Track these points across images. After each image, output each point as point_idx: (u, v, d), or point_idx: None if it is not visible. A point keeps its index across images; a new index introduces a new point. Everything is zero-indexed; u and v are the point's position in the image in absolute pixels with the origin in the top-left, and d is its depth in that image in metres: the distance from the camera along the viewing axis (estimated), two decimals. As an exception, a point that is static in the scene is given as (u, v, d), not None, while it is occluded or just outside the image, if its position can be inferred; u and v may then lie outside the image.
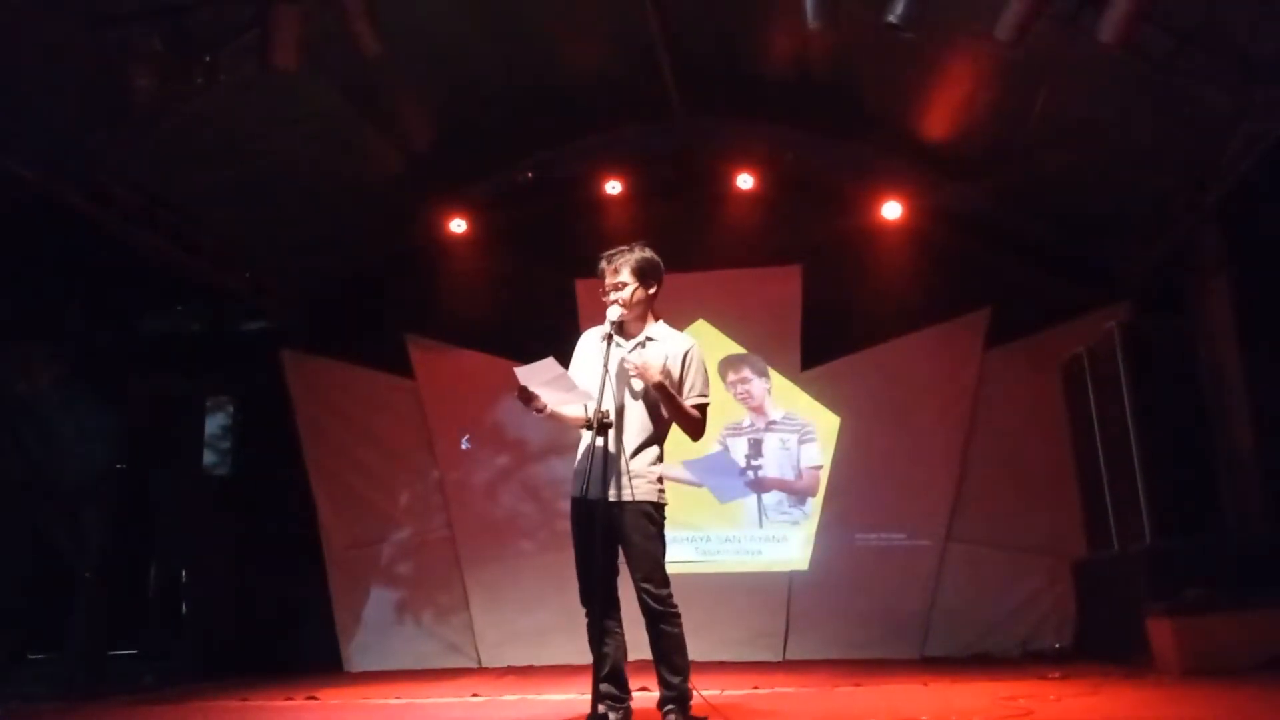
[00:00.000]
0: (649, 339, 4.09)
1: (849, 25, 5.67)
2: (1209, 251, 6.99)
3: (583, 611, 3.94)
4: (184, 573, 7.96)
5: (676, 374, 4.01)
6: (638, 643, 4.01)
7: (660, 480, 4.03)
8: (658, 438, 4.05)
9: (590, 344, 4.19)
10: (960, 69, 6.51)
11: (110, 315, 8.42)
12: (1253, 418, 6.61)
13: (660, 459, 4.06)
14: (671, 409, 3.98)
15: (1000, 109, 6.73)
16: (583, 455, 4.01)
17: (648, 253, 4.11)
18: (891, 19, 5.20)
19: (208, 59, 5.47)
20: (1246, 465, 6.61)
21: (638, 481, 3.93)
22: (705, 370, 4.12)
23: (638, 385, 4.02)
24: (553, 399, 4.01)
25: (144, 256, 7.30)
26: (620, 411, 4.00)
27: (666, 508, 4.04)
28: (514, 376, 3.92)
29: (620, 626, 3.98)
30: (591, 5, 6.71)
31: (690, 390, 4.03)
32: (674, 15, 6.66)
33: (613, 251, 4.11)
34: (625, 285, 4.04)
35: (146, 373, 8.32)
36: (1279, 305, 6.62)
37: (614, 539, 3.93)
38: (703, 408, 4.05)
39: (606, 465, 3.90)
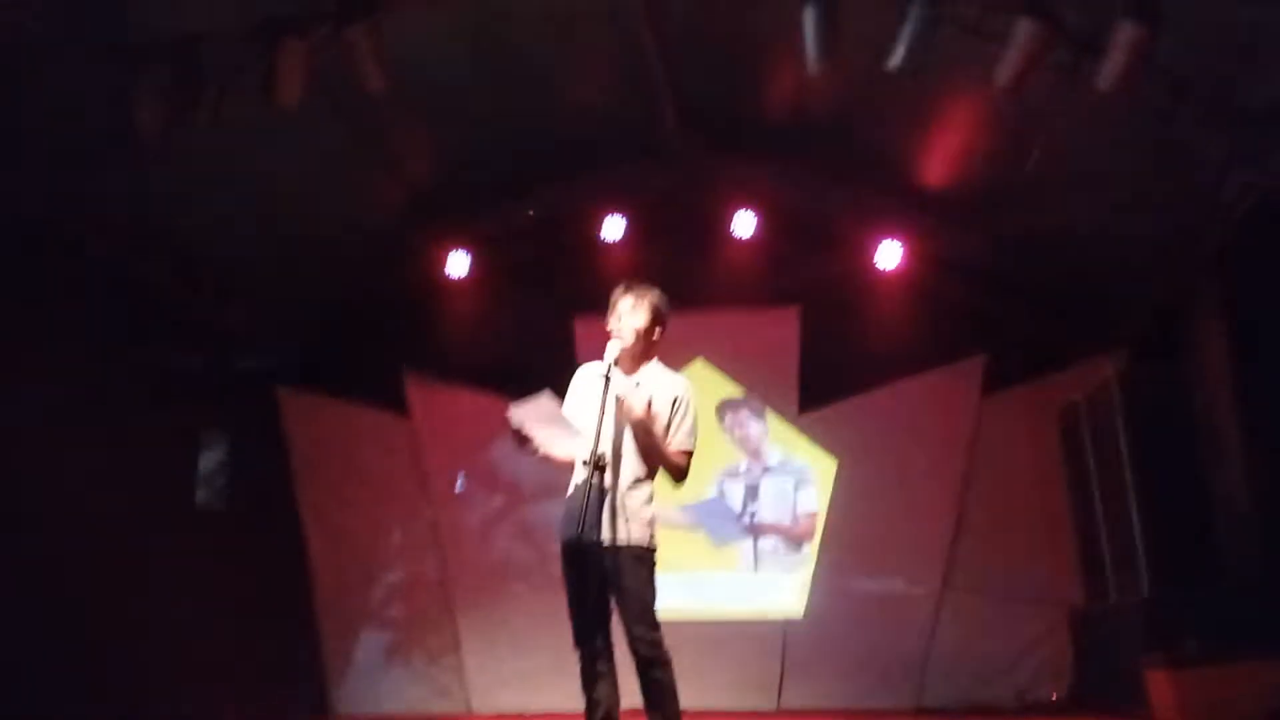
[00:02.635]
0: (638, 384, 3.97)
1: (850, 70, 5.71)
2: (1205, 299, 7.00)
3: (576, 656, 3.84)
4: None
5: (665, 417, 3.92)
6: (631, 690, 3.92)
7: (652, 522, 3.92)
8: (649, 475, 3.94)
9: (587, 380, 4.07)
10: (959, 115, 6.56)
11: (106, 348, 8.36)
12: (1249, 466, 6.55)
13: (651, 499, 3.95)
14: (650, 448, 3.87)
15: (998, 156, 6.76)
16: (575, 496, 3.88)
17: (664, 297, 4.07)
18: (893, 65, 5.23)
19: (212, 93, 5.50)
20: (1244, 514, 6.55)
21: (632, 524, 3.83)
22: (695, 418, 4.01)
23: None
24: (546, 437, 3.90)
25: (142, 290, 7.29)
26: (615, 451, 3.89)
27: (657, 551, 3.93)
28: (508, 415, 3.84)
29: (613, 672, 3.87)
30: (594, 45, 6.77)
31: (675, 435, 3.94)
32: (676, 56, 6.72)
33: (636, 283, 4.04)
34: (642, 319, 3.97)
35: (143, 408, 8.24)
36: (1275, 353, 6.59)
37: (607, 582, 3.86)
38: (687, 454, 3.96)
39: (602, 507, 3.82)
